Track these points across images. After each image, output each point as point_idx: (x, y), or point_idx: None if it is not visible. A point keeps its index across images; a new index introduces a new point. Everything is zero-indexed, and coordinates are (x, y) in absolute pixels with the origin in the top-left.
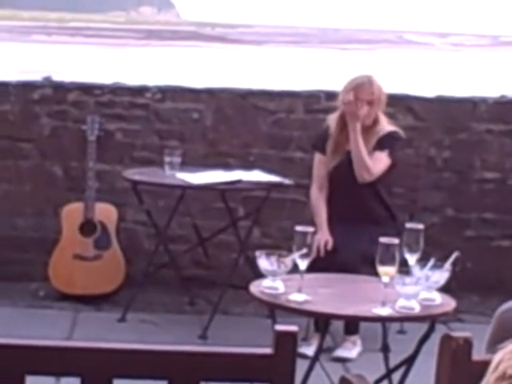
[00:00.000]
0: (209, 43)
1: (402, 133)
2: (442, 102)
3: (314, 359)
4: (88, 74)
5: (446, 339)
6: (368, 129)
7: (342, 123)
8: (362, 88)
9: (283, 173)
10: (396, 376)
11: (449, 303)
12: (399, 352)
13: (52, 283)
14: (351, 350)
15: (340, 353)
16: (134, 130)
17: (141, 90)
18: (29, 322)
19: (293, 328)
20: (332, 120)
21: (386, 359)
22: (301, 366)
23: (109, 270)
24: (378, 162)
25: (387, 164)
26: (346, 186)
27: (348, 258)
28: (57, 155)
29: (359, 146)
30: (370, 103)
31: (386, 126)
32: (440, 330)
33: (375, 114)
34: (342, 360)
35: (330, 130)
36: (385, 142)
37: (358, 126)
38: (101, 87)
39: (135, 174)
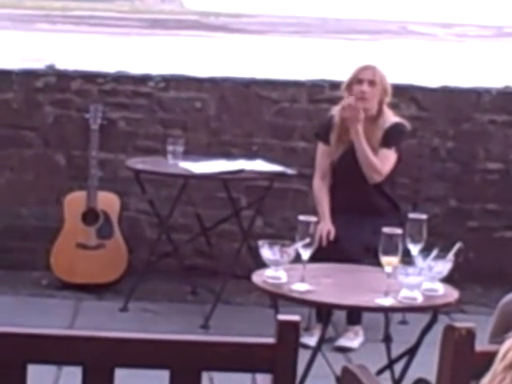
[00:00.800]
0: (212, 32)
1: (407, 124)
2: (446, 93)
3: (317, 349)
4: (91, 63)
5: (449, 329)
6: (373, 120)
7: None
8: (363, 70)
9: (286, 162)
10: (398, 366)
11: (452, 294)
12: (401, 342)
13: (54, 272)
14: (353, 340)
15: (342, 342)
16: (137, 118)
17: (144, 79)
18: (31, 310)
19: (295, 318)
20: (336, 110)
21: (389, 350)
22: (303, 356)
23: (111, 259)
24: (386, 160)
25: (394, 160)
26: (349, 176)
27: (350, 248)
28: (60, 144)
29: (364, 149)
30: (372, 83)
31: (391, 117)
32: (442, 321)
33: (379, 103)
34: (344, 350)
35: (334, 121)
36: (391, 138)
37: (360, 130)
38: (104, 76)
39: (138, 162)
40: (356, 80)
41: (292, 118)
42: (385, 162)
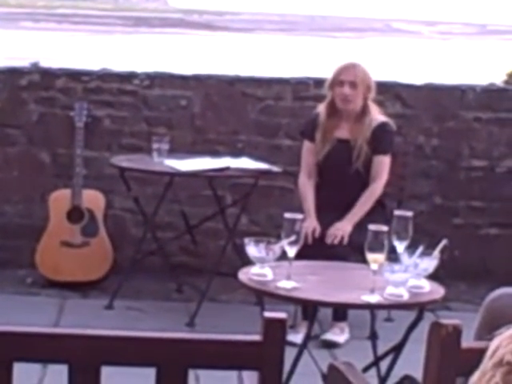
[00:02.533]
0: (196, 30)
1: (392, 123)
2: (431, 90)
3: (303, 346)
4: (76, 61)
5: (436, 326)
6: (358, 117)
7: (331, 110)
8: (344, 70)
9: (271, 160)
10: (384, 364)
11: (437, 291)
12: (387, 340)
13: (39, 270)
14: (339, 335)
15: (328, 336)
16: (122, 116)
17: (129, 77)
18: (16, 308)
19: (281, 315)
20: (322, 108)
21: (374, 347)
22: (289, 354)
23: (96, 257)
24: (382, 167)
25: (388, 163)
26: (334, 174)
27: (336, 245)
28: (44, 142)
29: (363, 212)
30: (353, 85)
31: (377, 115)
32: (428, 318)
33: (363, 100)
34: (330, 344)
35: (320, 119)
36: (382, 142)
37: (349, 228)
38: (89, 73)
39: (123, 160)
40: (337, 81)
41: (277, 116)
42: (381, 169)
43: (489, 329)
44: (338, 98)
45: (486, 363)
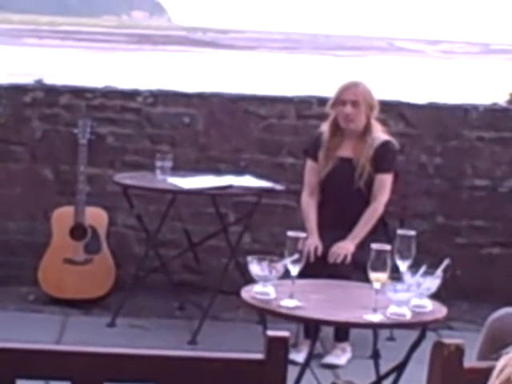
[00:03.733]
0: (200, 48)
1: (395, 142)
2: (434, 109)
3: (305, 365)
4: (79, 78)
5: (438, 346)
6: (361, 136)
7: (333, 129)
8: (346, 90)
9: (274, 178)
10: (386, 383)
11: (440, 310)
12: (389, 359)
13: (42, 287)
14: (340, 356)
15: (329, 359)
16: (126, 133)
17: (132, 94)
18: (18, 325)
19: (284, 334)
20: (325, 127)
21: (377, 366)
22: (290, 373)
23: (99, 274)
24: (384, 186)
25: (390, 182)
26: (337, 192)
27: (339, 264)
28: (48, 158)
29: (364, 232)
30: (355, 104)
31: (380, 134)
32: (430, 338)
33: (365, 119)
34: (331, 367)
35: (323, 137)
36: (385, 161)
37: (351, 247)
38: (92, 91)
39: (126, 178)
40: (340, 101)
41: (280, 134)
42: (382, 188)
43: (492, 348)
44: (341, 117)
45: (493, 382)
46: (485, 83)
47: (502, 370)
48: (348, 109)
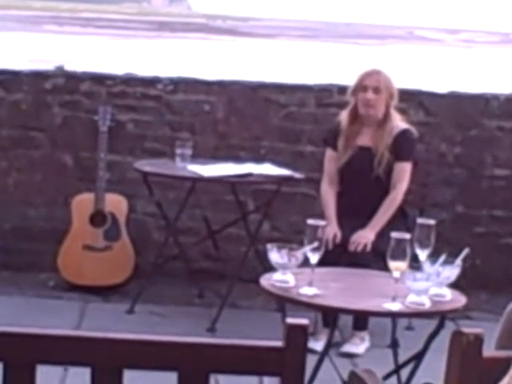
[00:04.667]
0: (220, 36)
1: (414, 130)
2: (454, 98)
3: (324, 353)
4: (99, 65)
5: (457, 335)
6: (380, 124)
7: (353, 117)
8: (368, 76)
9: (294, 166)
10: (405, 372)
11: (459, 299)
12: (407, 348)
13: (61, 273)
14: (359, 345)
15: (348, 348)
16: (146, 121)
17: (153, 82)
18: (38, 311)
19: (304, 321)
20: (344, 116)
21: (395, 355)
22: (309, 361)
23: (118, 261)
24: (403, 174)
25: (410, 170)
26: (356, 181)
27: (359, 252)
28: (68, 145)
29: (385, 220)
30: (376, 90)
31: (399, 123)
32: (448, 327)
33: (385, 107)
34: (350, 355)
35: (341, 126)
36: (404, 149)
37: (372, 235)
38: (113, 78)
39: (146, 165)
40: (361, 87)
41: (300, 122)
42: (402, 176)
43: (510, 338)
44: (361, 102)
45: None
46: (505, 72)
47: None
48: (369, 94)
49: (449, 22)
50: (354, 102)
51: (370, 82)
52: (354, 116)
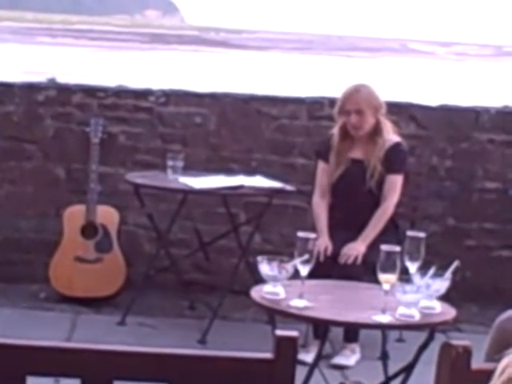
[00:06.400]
0: (213, 48)
1: (404, 144)
2: (445, 111)
3: (313, 365)
4: (92, 77)
5: (446, 347)
6: (371, 136)
7: (343, 134)
8: (348, 99)
9: (285, 179)
10: None
11: (449, 312)
12: (398, 360)
13: (52, 285)
14: (349, 357)
15: (338, 360)
16: (138, 133)
17: (145, 94)
18: (29, 323)
19: (293, 333)
20: (336, 129)
21: (385, 367)
22: (299, 373)
23: (109, 272)
24: (394, 187)
25: (401, 183)
26: (348, 194)
27: (350, 265)
28: (60, 157)
29: (375, 232)
30: (359, 112)
31: (391, 135)
32: (439, 339)
33: (374, 119)
34: (340, 367)
35: (333, 140)
36: (395, 162)
37: (362, 248)
38: (105, 90)
39: (137, 177)
40: (344, 112)
41: (292, 135)
42: (393, 188)
43: (498, 349)
44: (348, 126)
45: (495, 381)
46: (497, 86)
47: (504, 370)
48: (353, 118)
49: (442, 34)
50: (343, 120)
51: (350, 106)
52: (345, 133)
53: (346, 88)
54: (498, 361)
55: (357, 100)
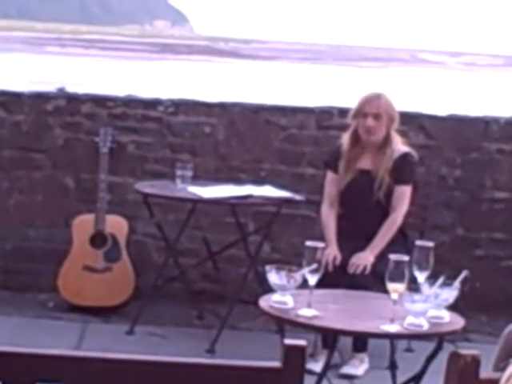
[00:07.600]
0: (222, 58)
1: (414, 154)
2: (454, 121)
3: (322, 375)
4: (101, 87)
5: (454, 357)
6: (380, 148)
7: (354, 140)
8: (368, 102)
9: (294, 188)
10: None
11: (457, 321)
12: (406, 370)
13: (61, 294)
14: (358, 367)
15: (347, 369)
16: (147, 142)
17: (154, 103)
18: (37, 332)
19: (302, 342)
20: (345, 138)
21: (394, 376)
22: (307, 382)
23: (118, 282)
24: (403, 198)
25: (410, 193)
26: (357, 204)
27: (358, 274)
28: (69, 166)
29: (384, 243)
30: (377, 117)
31: (400, 146)
32: (447, 349)
33: (386, 130)
34: (349, 377)
35: (343, 149)
36: (404, 173)
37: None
38: (114, 99)
39: (146, 186)
40: (361, 113)
41: (300, 145)
42: (402, 199)
43: (505, 358)
44: (362, 129)
45: None
46: (507, 95)
47: (509, 378)
48: (370, 121)
49: (452, 44)
50: (355, 125)
51: (369, 109)
52: (355, 139)
53: (367, 93)
54: (502, 369)
55: (377, 104)
